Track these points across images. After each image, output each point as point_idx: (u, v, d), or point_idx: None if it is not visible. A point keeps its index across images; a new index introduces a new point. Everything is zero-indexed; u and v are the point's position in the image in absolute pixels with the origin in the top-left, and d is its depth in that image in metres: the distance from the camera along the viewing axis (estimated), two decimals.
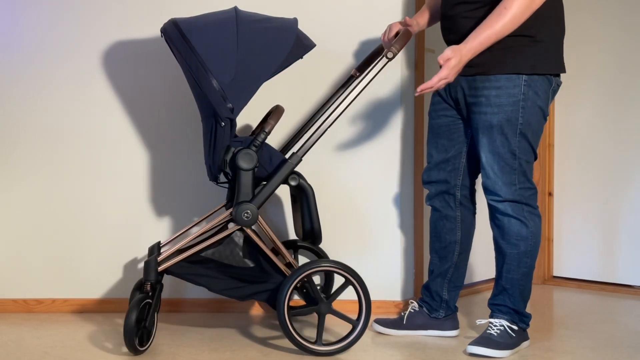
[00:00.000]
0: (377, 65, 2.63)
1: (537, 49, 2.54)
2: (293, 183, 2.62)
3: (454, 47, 2.46)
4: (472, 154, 2.75)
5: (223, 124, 2.54)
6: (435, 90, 2.51)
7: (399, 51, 2.64)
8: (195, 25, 2.54)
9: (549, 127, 3.95)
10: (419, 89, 2.47)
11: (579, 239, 3.90)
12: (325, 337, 2.73)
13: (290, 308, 2.55)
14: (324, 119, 2.79)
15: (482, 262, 3.72)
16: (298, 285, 2.59)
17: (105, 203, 3.19)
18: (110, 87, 3.19)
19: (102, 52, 3.19)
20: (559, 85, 2.63)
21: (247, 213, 2.57)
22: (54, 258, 3.18)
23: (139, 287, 2.84)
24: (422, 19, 2.92)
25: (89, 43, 3.18)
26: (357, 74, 3.00)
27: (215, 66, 2.50)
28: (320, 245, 3.14)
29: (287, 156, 2.80)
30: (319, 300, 2.60)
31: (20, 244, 3.18)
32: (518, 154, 2.57)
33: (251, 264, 2.64)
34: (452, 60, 2.44)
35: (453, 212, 2.80)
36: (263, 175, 2.65)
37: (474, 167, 2.77)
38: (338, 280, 3.10)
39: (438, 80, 2.46)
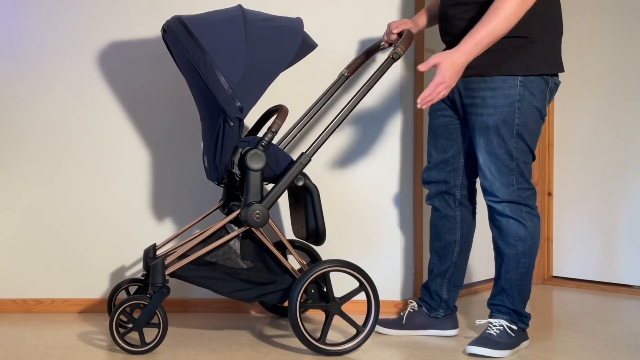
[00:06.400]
0: (383, 66, 2.63)
1: (533, 50, 2.53)
2: (300, 183, 2.61)
3: (441, 53, 2.45)
4: (472, 154, 2.75)
5: (232, 123, 2.53)
6: (437, 98, 2.47)
7: (404, 52, 2.64)
8: (202, 23, 2.51)
9: (549, 127, 3.94)
10: (419, 101, 2.43)
11: (579, 239, 3.90)
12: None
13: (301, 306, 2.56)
14: (331, 119, 2.78)
15: (481, 262, 3.72)
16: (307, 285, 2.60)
17: (105, 203, 3.19)
18: (109, 88, 3.19)
19: (102, 53, 3.19)
20: (557, 84, 2.63)
21: (257, 214, 2.55)
22: (54, 258, 3.18)
23: (117, 289, 2.84)
24: (421, 19, 2.92)
25: (89, 44, 3.18)
26: (348, 74, 2.98)
27: (225, 65, 2.48)
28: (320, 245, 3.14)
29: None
30: (331, 299, 2.60)
31: (20, 244, 3.18)
32: (515, 155, 2.57)
33: (244, 265, 2.63)
34: (442, 65, 2.42)
35: (453, 212, 2.80)
36: (269, 175, 2.63)
37: (473, 167, 2.77)
38: (342, 280, 3.10)
39: (435, 86, 2.43)
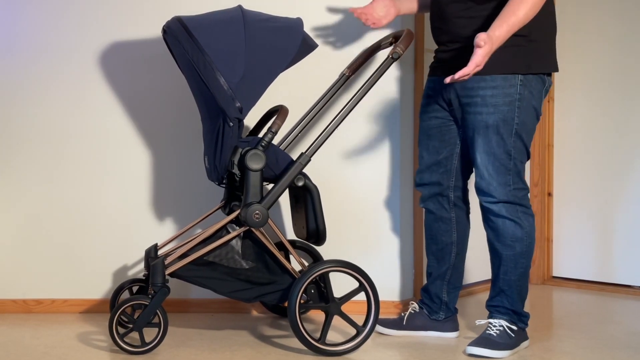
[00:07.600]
0: (383, 66, 2.63)
1: (532, 49, 2.53)
2: (300, 183, 2.62)
3: (488, 34, 2.35)
4: (464, 155, 2.75)
5: (231, 124, 2.53)
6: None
7: (404, 51, 2.64)
8: (201, 24, 2.52)
9: (549, 127, 3.94)
10: (457, 76, 2.34)
11: (578, 239, 3.90)
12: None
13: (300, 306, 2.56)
14: (331, 119, 2.79)
15: (477, 262, 3.71)
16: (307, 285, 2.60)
17: (105, 204, 3.19)
18: (109, 88, 3.19)
19: (103, 54, 3.19)
20: (550, 84, 2.63)
21: (257, 214, 2.55)
22: (54, 258, 3.18)
23: (121, 289, 2.84)
24: (405, 4, 2.87)
25: (89, 44, 3.18)
26: (349, 73, 2.98)
27: (224, 66, 2.49)
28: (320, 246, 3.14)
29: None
30: (330, 299, 2.60)
31: (20, 244, 3.18)
32: (513, 154, 2.57)
33: (246, 265, 2.63)
34: (487, 47, 2.34)
35: (448, 213, 2.79)
36: (269, 175, 2.64)
37: (466, 168, 2.77)
38: (343, 281, 3.10)
39: (475, 66, 2.35)
